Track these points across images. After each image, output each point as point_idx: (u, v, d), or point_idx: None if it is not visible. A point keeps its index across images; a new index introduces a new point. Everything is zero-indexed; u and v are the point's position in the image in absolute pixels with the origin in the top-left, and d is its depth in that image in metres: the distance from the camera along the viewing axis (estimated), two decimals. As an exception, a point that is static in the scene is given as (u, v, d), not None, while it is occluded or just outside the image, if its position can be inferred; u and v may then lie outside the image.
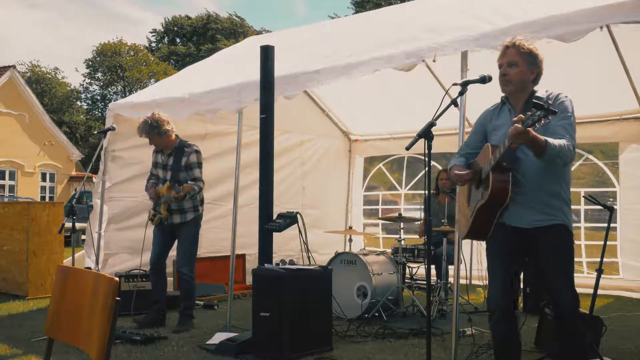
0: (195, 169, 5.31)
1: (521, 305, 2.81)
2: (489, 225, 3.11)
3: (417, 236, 7.33)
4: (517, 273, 3.23)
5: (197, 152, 5.36)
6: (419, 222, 6.87)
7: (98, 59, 40.13)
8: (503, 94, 3.19)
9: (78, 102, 40.76)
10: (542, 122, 2.65)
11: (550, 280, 3.03)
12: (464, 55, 4.26)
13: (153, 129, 5.23)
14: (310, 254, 4.97)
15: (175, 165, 5.31)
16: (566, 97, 3.00)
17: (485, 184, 3.01)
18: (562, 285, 2.98)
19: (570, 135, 2.90)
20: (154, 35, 45.85)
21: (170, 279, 6.58)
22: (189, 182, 5.25)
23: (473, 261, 7.40)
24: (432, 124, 3.00)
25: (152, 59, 40.15)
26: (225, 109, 5.70)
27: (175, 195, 5.14)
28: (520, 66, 3.02)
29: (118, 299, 1.87)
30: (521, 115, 2.72)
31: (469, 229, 3.18)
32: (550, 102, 2.94)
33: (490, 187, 2.94)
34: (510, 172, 2.97)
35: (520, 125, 2.66)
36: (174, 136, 5.39)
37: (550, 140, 2.79)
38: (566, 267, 3.01)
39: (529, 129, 2.66)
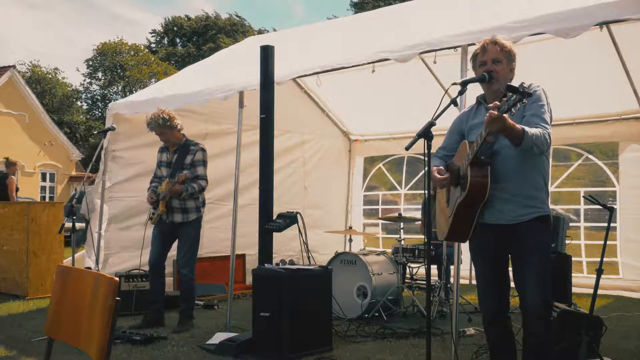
0: (200, 166, 5.32)
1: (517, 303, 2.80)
2: (469, 225, 3.01)
3: (416, 236, 7.32)
4: (505, 274, 3.14)
5: (203, 150, 5.39)
6: (419, 223, 6.87)
7: (98, 58, 40.09)
8: (479, 94, 3.18)
9: (78, 102, 40.74)
10: (518, 106, 2.63)
11: (523, 277, 2.93)
12: (464, 55, 4.26)
13: (164, 122, 5.27)
14: (310, 254, 4.97)
15: (179, 163, 5.33)
16: (538, 86, 2.98)
17: (463, 181, 2.94)
18: (534, 284, 2.89)
19: (546, 124, 2.88)
20: (153, 36, 45.86)
21: (170, 279, 6.59)
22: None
23: (473, 261, 7.39)
24: (431, 124, 2.99)
25: (153, 58, 40.10)
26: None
27: (171, 188, 5.14)
28: (503, 64, 3.02)
29: (118, 299, 1.87)
30: (496, 102, 2.70)
31: (449, 229, 3.08)
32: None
33: (468, 183, 2.87)
34: (489, 167, 2.90)
35: (495, 112, 2.64)
36: (181, 133, 5.43)
37: (527, 128, 2.77)
38: (544, 266, 2.92)
39: (505, 115, 2.65)
